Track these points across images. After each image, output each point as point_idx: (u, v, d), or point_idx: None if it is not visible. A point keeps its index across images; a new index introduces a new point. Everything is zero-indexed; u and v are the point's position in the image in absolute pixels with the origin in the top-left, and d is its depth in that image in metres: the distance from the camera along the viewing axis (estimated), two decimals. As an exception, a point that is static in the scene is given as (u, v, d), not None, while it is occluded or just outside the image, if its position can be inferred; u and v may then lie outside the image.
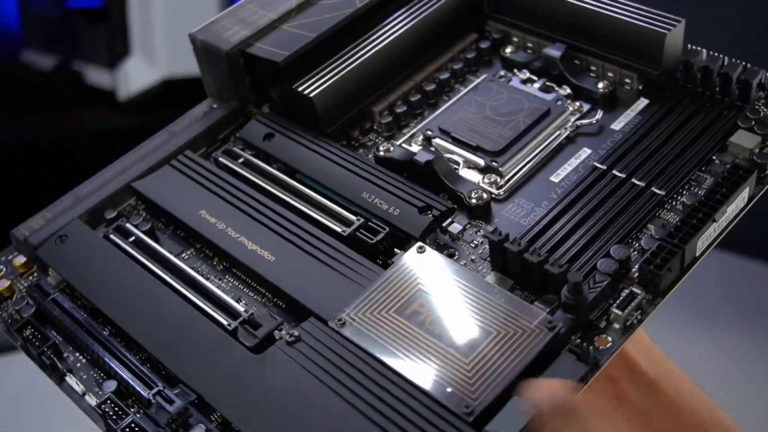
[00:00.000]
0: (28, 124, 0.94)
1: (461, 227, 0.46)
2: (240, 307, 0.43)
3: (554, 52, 0.53)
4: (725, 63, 0.49)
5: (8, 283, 0.48)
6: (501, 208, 0.47)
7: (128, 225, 0.49)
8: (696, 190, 0.45)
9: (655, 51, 0.50)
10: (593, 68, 0.54)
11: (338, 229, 0.46)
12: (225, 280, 0.47)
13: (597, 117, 0.50)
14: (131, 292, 0.44)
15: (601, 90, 0.52)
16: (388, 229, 0.45)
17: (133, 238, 0.48)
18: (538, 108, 0.51)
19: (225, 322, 0.42)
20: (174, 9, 0.85)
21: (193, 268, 0.47)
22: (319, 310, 0.42)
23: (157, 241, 0.49)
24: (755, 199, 0.45)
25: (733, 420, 0.49)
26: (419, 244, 0.43)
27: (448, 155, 0.50)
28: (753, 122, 0.47)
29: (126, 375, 0.41)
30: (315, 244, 0.45)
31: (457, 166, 0.49)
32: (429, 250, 0.43)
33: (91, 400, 0.42)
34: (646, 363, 0.48)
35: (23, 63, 0.93)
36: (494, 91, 0.53)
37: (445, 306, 0.41)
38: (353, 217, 0.46)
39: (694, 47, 0.51)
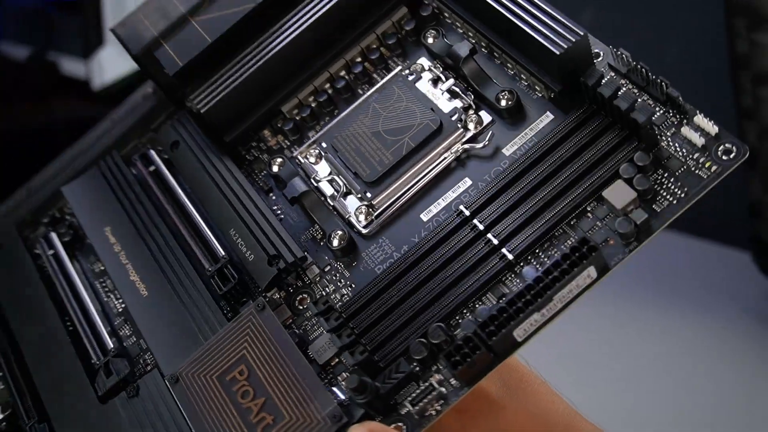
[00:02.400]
0: (2, 113, 0.95)
1: (319, 270, 0.47)
2: (110, 343, 0.48)
3: (459, 51, 0.48)
4: (620, 90, 0.43)
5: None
6: (365, 247, 0.47)
7: (52, 234, 0.54)
8: (545, 257, 0.42)
9: (552, 68, 0.45)
10: (509, 65, 0.49)
11: (206, 266, 0.48)
12: (118, 303, 0.51)
13: (485, 141, 0.47)
14: (30, 310, 0.51)
15: (503, 105, 0.47)
16: (236, 279, 0.46)
17: (52, 252, 0.53)
18: (427, 126, 0.47)
19: (94, 358, 0.48)
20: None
21: (95, 284, 0.52)
22: (162, 362, 0.46)
23: (78, 248, 0.54)
24: (609, 272, 0.41)
25: (596, 424, 0.48)
26: (259, 301, 0.45)
27: (334, 177, 0.49)
28: (636, 172, 0.42)
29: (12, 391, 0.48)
30: (183, 282, 0.48)
31: (336, 193, 0.48)
32: (267, 311, 0.45)
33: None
34: (498, 390, 0.47)
35: (-2, 53, 0.95)
36: (395, 96, 0.50)
37: (259, 380, 0.43)
38: (222, 253, 0.48)
39: (603, 57, 0.45)
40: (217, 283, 0.47)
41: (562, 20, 0.44)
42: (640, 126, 0.42)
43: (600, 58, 0.47)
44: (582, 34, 0.43)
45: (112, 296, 0.52)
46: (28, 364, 0.49)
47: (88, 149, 0.57)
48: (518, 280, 0.42)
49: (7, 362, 0.49)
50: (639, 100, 0.43)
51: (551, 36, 0.44)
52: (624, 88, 0.45)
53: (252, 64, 0.51)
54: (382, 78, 0.52)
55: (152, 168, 0.54)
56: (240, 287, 0.47)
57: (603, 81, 0.43)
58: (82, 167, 0.56)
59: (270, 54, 0.51)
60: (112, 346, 0.48)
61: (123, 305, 0.51)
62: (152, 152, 0.54)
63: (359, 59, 0.53)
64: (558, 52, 0.43)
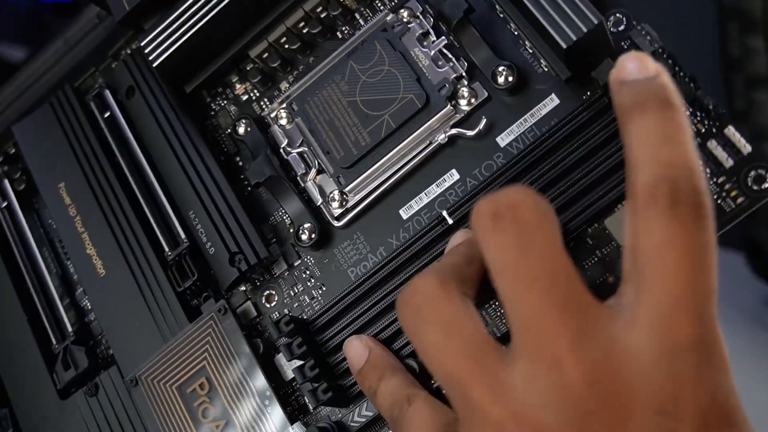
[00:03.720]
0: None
1: (287, 266, 0.43)
2: (69, 325, 0.46)
3: (451, 11, 0.40)
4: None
5: None
6: (338, 242, 0.42)
7: (5, 183, 0.50)
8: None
9: (561, 57, 0.37)
10: (513, 26, 0.41)
11: (166, 249, 0.44)
12: (79, 270, 0.48)
13: (479, 128, 0.40)
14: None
15: (501, 82, 0.40)
16: (195, 276, 0.42)
17: (5, 204, 0.49)
18: (411, 102, 0.41)
19: (53, 342, 0.45)
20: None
21: (55, 243, 0.48)
22: (121, 361, 0.43)
23: (35, 196, 0.50)
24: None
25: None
26: (221, 305, 0.41)
27: (305, 149, 0.43)
28: (646, 200, 0.36)
29: None
30: (141, 265, 0.44)
31: (307, 169, 0.43)
32: (228, 316, 0.41)
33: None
34: None
35: (-6, 55, 0.82)
36: (376, 55, 0.42)
37: (220, 398, 0.40)
38: (182, 236, 0.44)
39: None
40: (176, 277, 0.43)
41: (579, 4, 0.36)
42: (655, 148, 0.35)
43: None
44: (596, 22, 0.36)
45: (68, 262, 0.48)
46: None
47: (41, 76, 0.51)
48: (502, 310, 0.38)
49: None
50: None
51: (561, 24, 0.36)
52: (645, 77, 0.38)
53: (212, 3, 0.44)
54: (365, 18, 0.44)
55: (108, 114, 0.48)
56: (201, 282, 0.43)
57: (618, 82, 0.36)
58: (35, 99, 0.50)
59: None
60: (71, 328, 0.45)
61: (83, 274, 0.47)
62: (108, 94, 0.48)
63: (339, -7, 0.45)
64: (565, 45, 0.36)
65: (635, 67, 0.29)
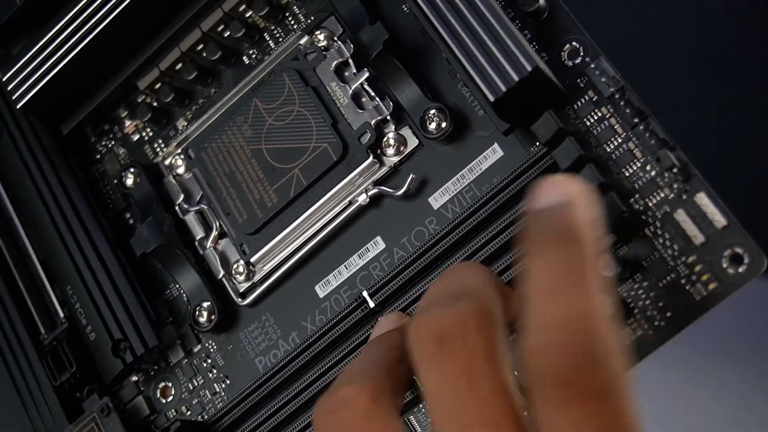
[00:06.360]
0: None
1: (184, 353, 0.43)
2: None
3: (368, 39, 0.40)
4: (583, 163, 0.36)
5: None
6: (244, 325, 0.42)
7: None
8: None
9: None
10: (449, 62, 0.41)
11: (42, 330, 0.45)
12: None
13: (406, 187, 0.40)
14: None
15: (433, 130, 0.40)
16: (74, 368, 0.43)
17: None
18: (325, 154, 0.41)
19: None
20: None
21: None
22: (-7, 468, 0.44)
23: None
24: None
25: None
26: (104, 403, 0.42)
27: (204, 207, 0.44)
28: (599, 287, 0.36)
29: None
30: (15, 350, 0.45)
31: (207, 233, 0.43)
32: (113, 417, 0.42)
33: None
34: None
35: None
36: (285, 92, 0.42)
37: None
38: (61, 314, 0.44)
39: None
40: (52, 370, 0.43)
41: (514, 50, 0.35)
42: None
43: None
44: (530, 69, 0.35)
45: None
46: None
47: None
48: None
49: None
50: (607, 193, 0.35)
51: (491, 74, 0.36)
52: (601, 126, 0.37)
53: (88, 27, 0.43)
54: (276, 40, 0.44)
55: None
56: (81, 374, 0.43)
57: (561, 143, 0.36)
58: None
59: (114, 10, 0.43)
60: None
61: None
62: (-18, 133, 0.48)
63: (242, 7, 0.45)
64: (492, 98, 0.36)
65: (549, 192, 0.28)
